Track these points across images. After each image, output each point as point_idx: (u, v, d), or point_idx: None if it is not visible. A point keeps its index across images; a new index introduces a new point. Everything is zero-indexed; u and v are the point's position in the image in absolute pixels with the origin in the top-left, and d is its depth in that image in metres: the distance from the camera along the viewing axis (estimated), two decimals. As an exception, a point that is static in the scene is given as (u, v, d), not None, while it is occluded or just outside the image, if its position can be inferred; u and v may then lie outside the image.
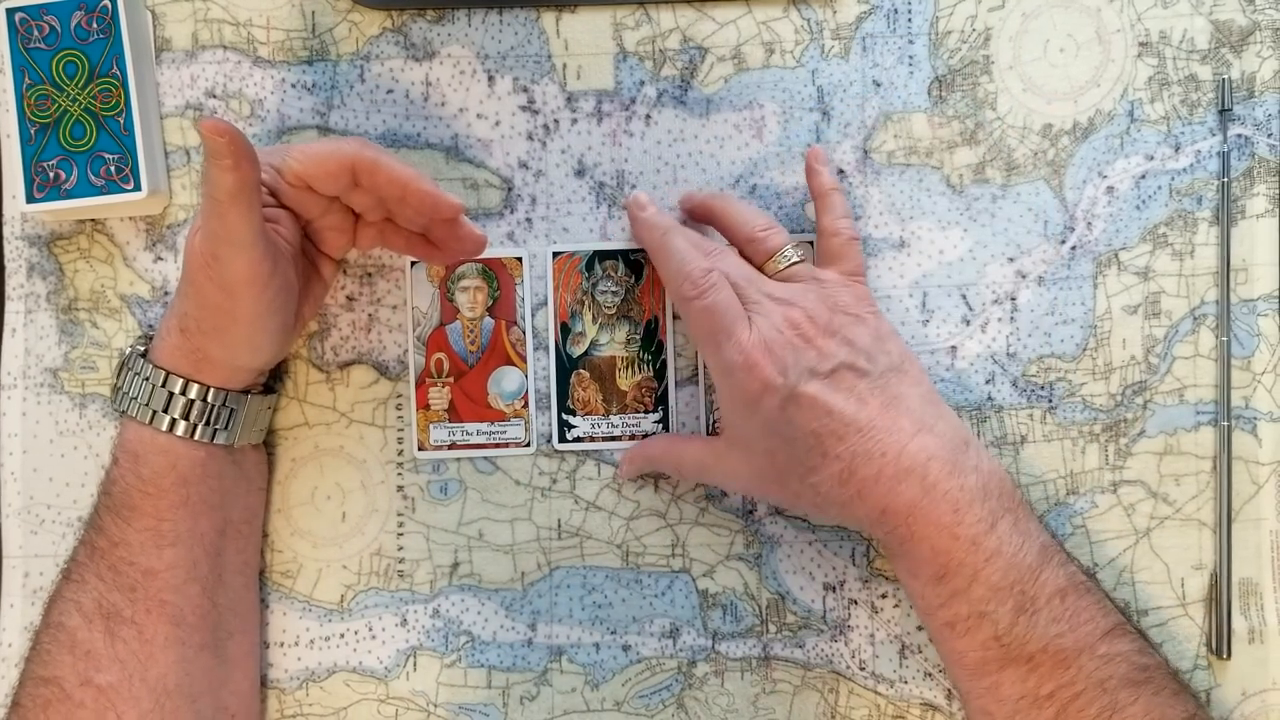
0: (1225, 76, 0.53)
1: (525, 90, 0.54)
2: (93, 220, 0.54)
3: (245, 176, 0.42)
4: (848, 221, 0.50)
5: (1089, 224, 0.53)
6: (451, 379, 0.54)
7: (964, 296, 0.53)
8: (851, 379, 0.46)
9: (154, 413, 0.47)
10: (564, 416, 0.53)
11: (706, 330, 0.47)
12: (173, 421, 0.47)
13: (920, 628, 0.53)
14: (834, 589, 0.53)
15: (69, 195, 0.51)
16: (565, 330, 0.54)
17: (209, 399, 0.47)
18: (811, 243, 0.53)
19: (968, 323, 0.53)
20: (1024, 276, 0.53)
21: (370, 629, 0.53)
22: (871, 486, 0.45)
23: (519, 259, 0.54)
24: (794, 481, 0.46)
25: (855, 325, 0.48)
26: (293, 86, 0.54)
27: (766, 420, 0.46)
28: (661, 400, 0.53)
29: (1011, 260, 0.53)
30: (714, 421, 0.53)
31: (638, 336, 0.54)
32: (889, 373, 0.47)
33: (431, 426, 0.53)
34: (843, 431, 0.45)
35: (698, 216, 0.53)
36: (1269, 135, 0.53)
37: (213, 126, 0.40)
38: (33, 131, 0.51)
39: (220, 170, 0.41)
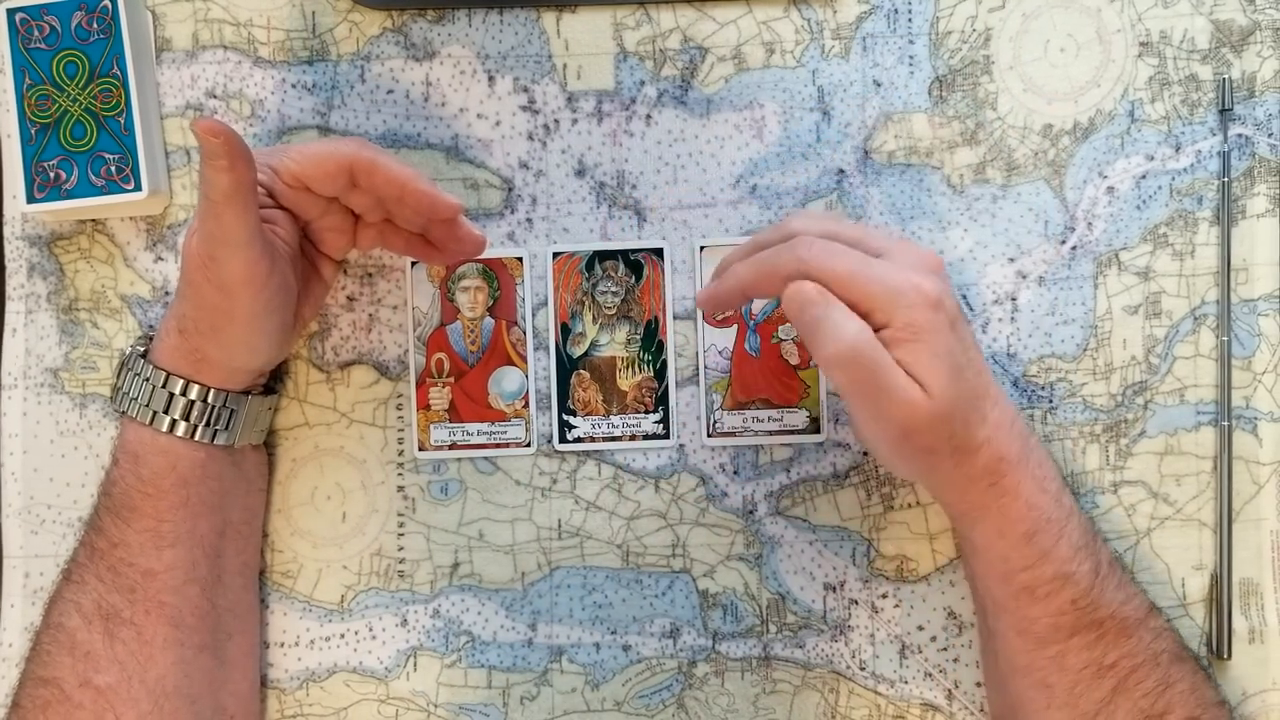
0: (1226, 76, 0.53)
1: (525, 90, 0.54)
2: (93, 220, 0.54)
3: (240, 177, 0.42)
4: (788, 224, 0.48)
5: (1089, 224, 0.53)
6: (452, 379, 0.54)
7: (964, 297, 0.53)
8: (965, 320, 0.46)
9: (154, 413, 0.47)
10: (564, 417, 0.53)
11: (845, 279, 0.43)
12: (173, 422, 0.47)
13: (921, 627, 0.53)
14: (834, 589, 0.53)
15: (69, 195, 0.51)
16: (565, 330, 0.54)
17: (209, 400, 0.47)
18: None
19: (968, 323, 0.53)
20: (1024, 277, 0.53)
21: (370, 629, 0.53)
22: (994, 430, 0.45)
23: (519, 259, 0.54)
24: (960, 423, 0.44)
25: None
26: (293, 86, 0.54)
27: (945, 341, 0.43)
28: (662, 400, 0.53)
29: (1012, 260, 0.53)
30: (714, 422, 0.53)
31: (638, 336, 0.54)
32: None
33: (432, 426, 0.53)
34: (980, 368, 0.45)
35: (732, 301, 0.49)
36: (1269, 135, 0.53)
37: (207, 127, 0.40)
38: (33, 131, 0.51)
39: (215, 171, 0.41)
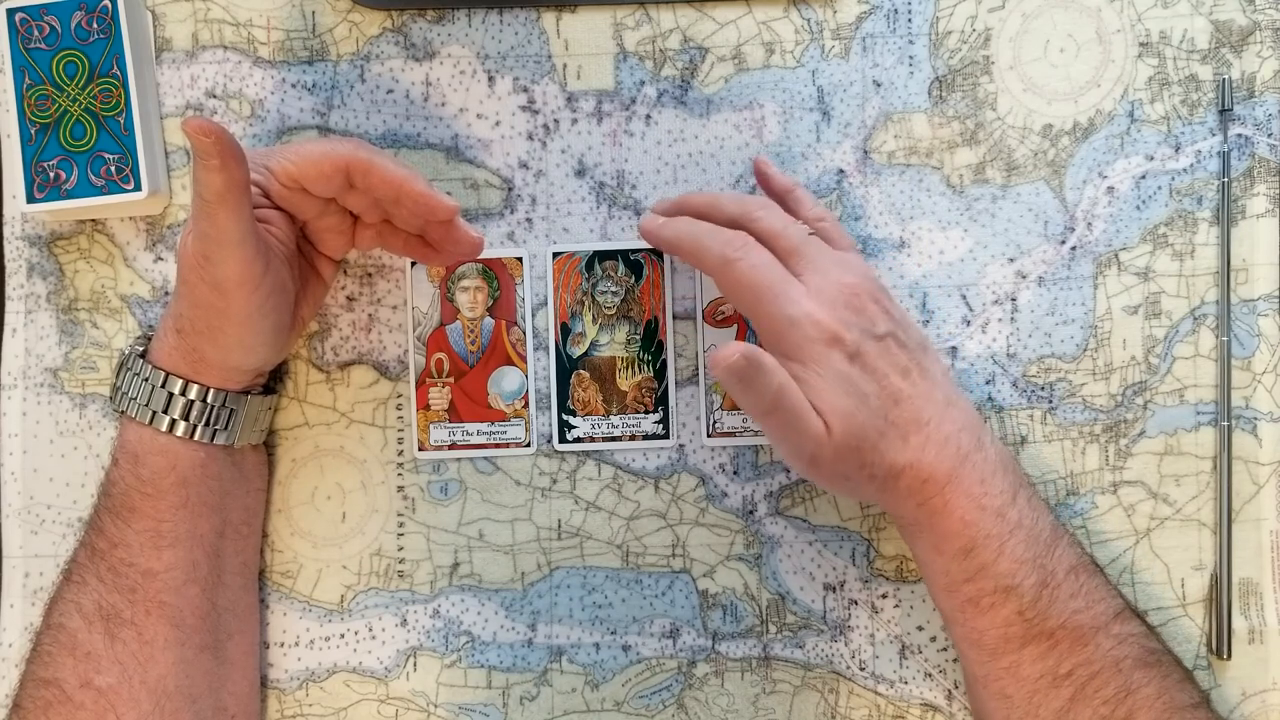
0: (1225, 76, 0.53)
1: (525, 90, 0.54)
2: (93, 220, 0.54)
3: (233, 176, 0.41)
4: (822, 208, 0.51)
5: (1089, 224, 0.53)
6: (452, 379, 0.54)
7: (964, 297, 0.53)
8: (895, 348, 0.46)
9: (154, 413, 0.47)
10: (564, 417, 0.53)
11: (753, 293, 0.45)
12: (172, 422, 0.47)
13: (920, 628, 0.53)
14: (834, 589, 0.53)
15: (69, 195, 0.51)
16: (565, 330, 0.54)
17: (208, 400, 0.47)
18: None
19: (968, 323, 0.53)
20: (1024, 277, 0.53)
21: (370, 629, 0.53)
22: (919, 454, 0.45)
23: (519, 259, 0.54)
24: (868, 450, 0.45)
25: (887, 297, 0.48)
26: (293, 86, 0.54)
27: (837, 373, 0.44)
28: (661, 400, 0.53)
29: (1012, 260, 0.53)
30: (714, 422, 0.53)
31: (638, 337, 0.54)
32: (918, 348, 0.47)
33: (431, 426, 0.53)
34: (898, 397, 0.45)
35: (662, 246, 0.51)
36: (1269, 135, 0.53)
37: (198, 126, 0.40)
38: (33, 131, 0.51)
39: (207, 171, 0.41)
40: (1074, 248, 0.53)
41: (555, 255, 0.54)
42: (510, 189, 0.54)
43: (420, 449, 0.53)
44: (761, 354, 0.42)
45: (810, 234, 0.48)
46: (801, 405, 0.43)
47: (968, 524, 0.45)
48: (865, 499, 0.50)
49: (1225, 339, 0.52)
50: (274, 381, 0.53)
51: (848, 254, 0.49)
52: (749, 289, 0.46)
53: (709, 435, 0.53)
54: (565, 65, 0.54)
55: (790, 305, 0.45)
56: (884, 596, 0.53)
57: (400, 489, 0.54)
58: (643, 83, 0.54)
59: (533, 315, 0.54)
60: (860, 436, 0.44)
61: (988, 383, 0.53)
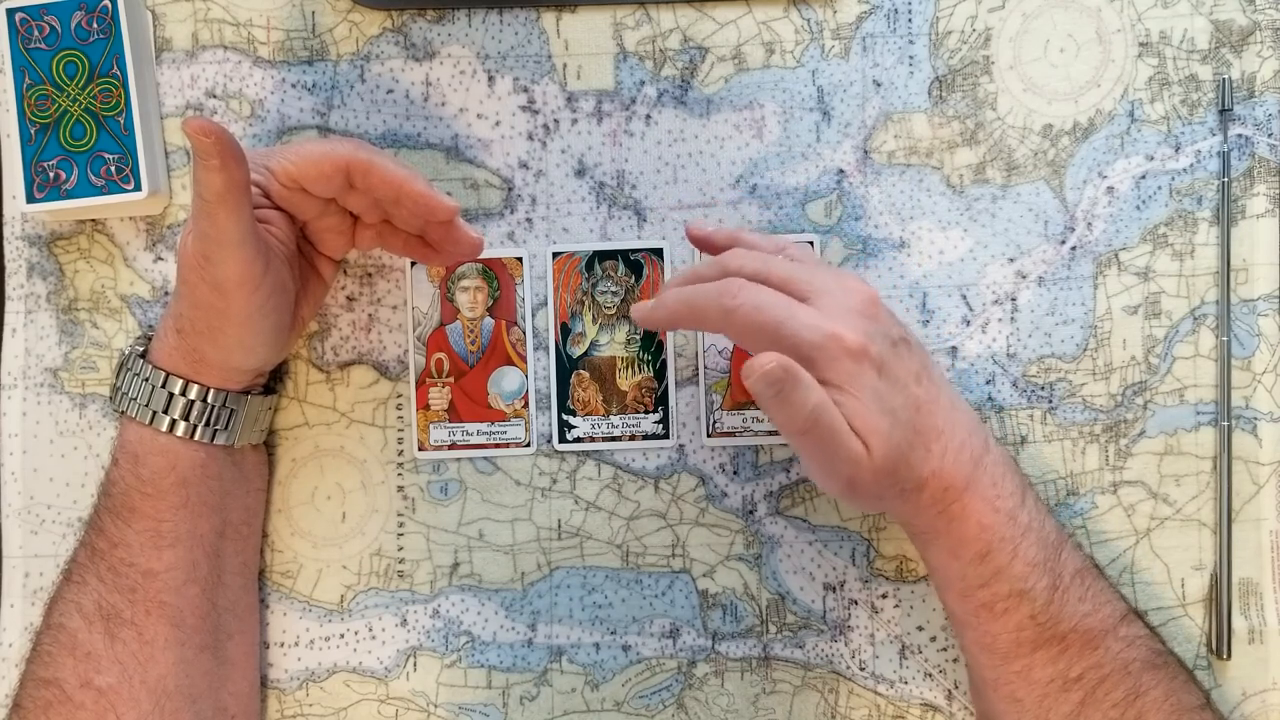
0: (1225, 76, 0.53)
1: (525, 90, 0.54)
2: (93, 220, 0.54)
3: (233, 177, 0.41)
4: (777, 239, 0.50)
5: (1089, 224, 0.53)
6: (452, 379, 0.54)
7: (964, 297, 0.53)
8: (906, 353, 0.45)
9: (154, 413, 0.47)
10: (564, 417, 0.53)
11: (765, 331, 0.43)
12: (173, 422, 0.47)
13: (920, 628, 0.53)
14: (834, 589, 0.53)
15: (69, 195, 0.51)
16: (565, 330, 0.54)
17: (209, 400, 0.47)
18: (810, 244, 0.53)
19: (968, 323, 0.53)
20: (1024, 277, 0.53)
21: (370, 629, 0.53)
22: (940, 462, 0.44)
23: (519, 259, 0.54)
24: (903, 466, 0.44)
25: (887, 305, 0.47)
26: (293, 86, 0.54)
27: (872, 391, 0.43)
28: (662, 400, 0.53)
29: (1012, 260, 0.53)
30: (714, 422, 0.53)
31: (637, 337, 0.54)
32: (920, 350, 0.47)
33: (431, 426, 0.53)
34: (918, 404, 0.44)
35: (662, 326, 0.50)
36: (1269, 135, 0.53)
37: (198, 127, 0.40)
38: (33, 131, 0.51)
39: (208, 171, 0.41)
40: (1074, 248, 0.53)
41: (555, 255, 0.54)
42: (510, 189, 0.54)
43: (420, 449, 0.53)
44: (799, 367, 0.40)
45: (792, 260, 0.47)
46: (839, 426, 0.42)
47: (984, 528, 0.45)
48: (885, 511, 0.49)
49: (1225, 339, 0.52)
50: (274, 381, 0.53)
51: (836, 267, 0.48)
52: (759, 329, 0.43)
53: (709, 435, 0.53)
54: (565, 65, 0.54)
55: (808, 331, 0.42)
56: (884, 596, 0.53)
57: (400, 489, 0.54)
58: (643, 83, 0.54)
59: (533, 315, 0.54)
60: (898, 455, 0.43)
61: (988, 383, 0.53)
